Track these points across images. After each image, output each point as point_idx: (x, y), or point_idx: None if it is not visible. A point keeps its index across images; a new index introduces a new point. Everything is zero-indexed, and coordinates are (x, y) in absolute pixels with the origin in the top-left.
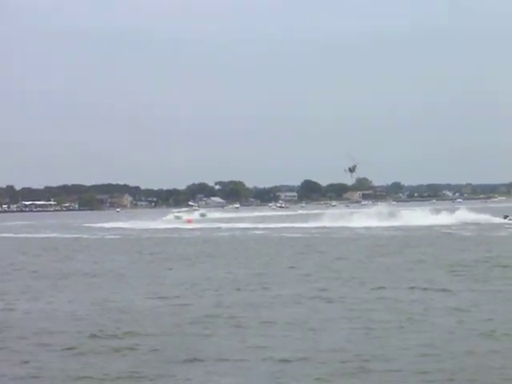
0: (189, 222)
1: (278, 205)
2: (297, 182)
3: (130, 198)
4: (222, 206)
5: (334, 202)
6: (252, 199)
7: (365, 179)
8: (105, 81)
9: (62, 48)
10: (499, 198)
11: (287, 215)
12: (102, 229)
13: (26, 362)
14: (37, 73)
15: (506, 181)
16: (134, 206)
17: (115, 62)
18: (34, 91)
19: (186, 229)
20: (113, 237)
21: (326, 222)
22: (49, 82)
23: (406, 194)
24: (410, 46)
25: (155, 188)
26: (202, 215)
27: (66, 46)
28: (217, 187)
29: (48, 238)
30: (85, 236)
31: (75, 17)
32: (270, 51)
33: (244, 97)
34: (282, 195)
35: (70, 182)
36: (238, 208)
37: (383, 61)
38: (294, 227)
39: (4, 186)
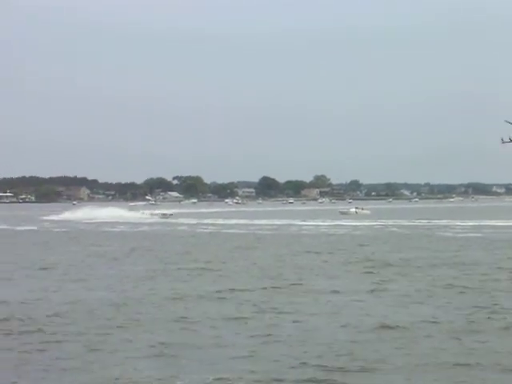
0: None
1: (235, 201)
2: (255, 179)
3: (87, 191)
4: (179, 201)
5: (290, 199)
6: (210, 194)
7: (323, 176)
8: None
9: None
10: (456, 198)
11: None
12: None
13: None
14: None
15: (465, 181)
16: (91, 198)
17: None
18: None
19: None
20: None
21: None
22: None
23: (363, 192)
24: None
25: (113, 181)
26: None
27: None
28: (175, 182)
29: None
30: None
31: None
32: None
33: (204, 90)
34: (240, 191)
35: (27, 174)
36: (195, 203)
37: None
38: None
39: None
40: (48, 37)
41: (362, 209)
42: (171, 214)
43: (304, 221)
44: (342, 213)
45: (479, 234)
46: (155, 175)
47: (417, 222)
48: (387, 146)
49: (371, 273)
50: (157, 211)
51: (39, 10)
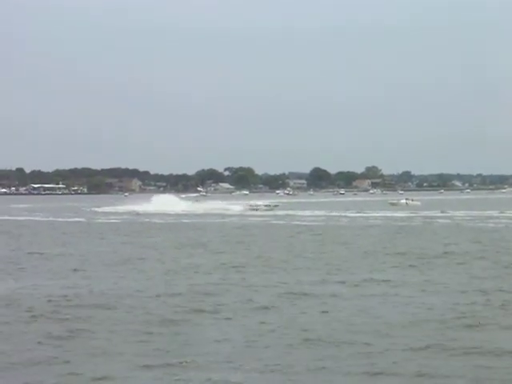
0: None
1: (286, 192)
2: (306, 170)
3: (138, 183)
4: (231, 193)
5: (342, 190)
6: (261, 186)
7: (374, 167)
8: (117, 61)
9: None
10: (508, 188)
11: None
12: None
13: None
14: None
15: None
16: (143, 190)
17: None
18: (51, 69)
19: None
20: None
21: None
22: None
23: (415, 183)
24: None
25: (165, 173)
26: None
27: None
28: (226, 173)
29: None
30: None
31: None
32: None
33: (257, 82)
34: (291, 182)
35: (80, 166)
36: (246, 194)
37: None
38: None
39: (14, 169)
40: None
41: (412, 200)
42: (276, 206)
43: (359, 212)
44: (392, 204)
45: None
46: (207, 167)
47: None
48: (439, 136)
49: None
50: (259, 202)
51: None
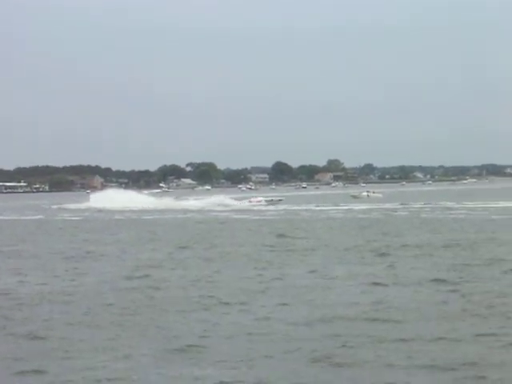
0: None
1: (248, 186)
2: (269, 164)
3: (100, 180)
4: (193, 188)
5: (304, 184)
6: (223, 181)
7: (336, 161)
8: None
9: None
10: (469, 180)
11: None
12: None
13: None
14: None
15: (479, 163)
16: (105, 187)
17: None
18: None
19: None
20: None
21: None
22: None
23: (377, 175)
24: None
25: (127, 169)
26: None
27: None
28: (188, 169)
29: None
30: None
31: None
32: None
33: (215, 75)
34: (254, 177)
35: (41, 164)
36: (209, 190)
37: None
38: None
39: None
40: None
41: (374, 192)
42: (280, 200)
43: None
44: (354, 196)
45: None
46: (168, 163)
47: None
48: (401, 130)
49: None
50: (259, 198)
51: None
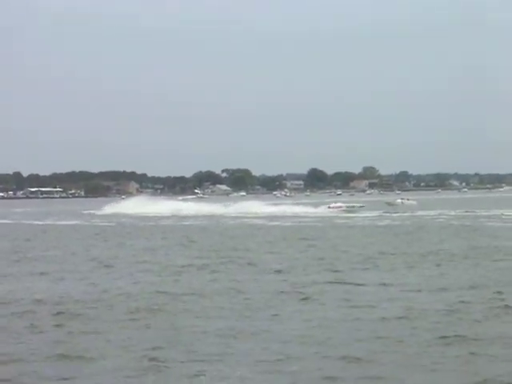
0: None
1: (283, 193)
2: (304, 171)
3: (136, 185)
4: (228, 194)
5: (339, 191)
6: (258, 187)
7: (372, 168)
8: (113, 66)
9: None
10: (505, 187)
11: None
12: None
13: None
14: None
15: None
16: (140, 193)
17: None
18: (45, 79)
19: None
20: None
21: None
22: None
23: (412, 183)
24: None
25: (162, 175)
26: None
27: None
28: (223, 175)
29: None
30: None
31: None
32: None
33: (254, 84)
34: (288, 183)
35: (77, 169)
36: (244, 196)
37: (383, 50)
38: None
39: (11, 173)
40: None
41: (408, 199)
42: (362, 206)
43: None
44: (388, 203)
45: None
46: (204, 169)
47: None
48: (436, 136)
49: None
50: (339, 203)
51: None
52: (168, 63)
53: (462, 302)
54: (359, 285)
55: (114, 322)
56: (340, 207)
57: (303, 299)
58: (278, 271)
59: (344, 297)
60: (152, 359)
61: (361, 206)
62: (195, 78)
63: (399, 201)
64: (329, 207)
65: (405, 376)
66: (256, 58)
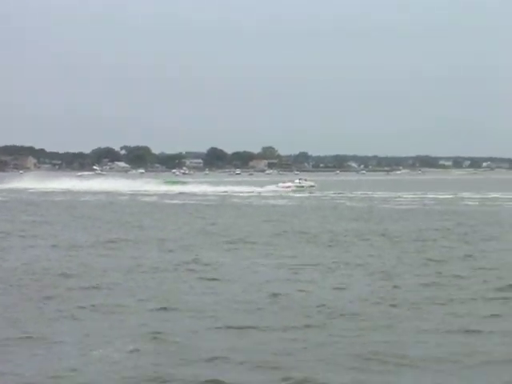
0: None
1: (182, 171)
2: (203, 150)
3: (34, 161)
4: (126, 171)
5: (238, 170)
6: (157, 165)
7: (271, 148)
8: None
9: None
10: (403, 170)
11: None
12: None
13: None
14: None
15: (413, 154)
16: (38, 168)
17: None
18: None
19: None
20: None
21: None
22: None
23: (311, 164)
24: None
25: (61, 151)
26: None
27: None
28: (122, 152)
29: None
30: None
31: None
32: None
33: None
34: (188, 162)
35: None
36: (142, 173)
37: None
38: None
39: None
40: None
41: (306, 180)
42: (312, 186)
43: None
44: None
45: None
46: (103, 145)
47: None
48: (336, 119)
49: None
50: (288, 183)
51: None
52: None
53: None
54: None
55: None
56: (289, 187)
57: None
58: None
59: None
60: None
61: (311, 186)
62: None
63: (297, 181)
64: (276, 186)
65: None
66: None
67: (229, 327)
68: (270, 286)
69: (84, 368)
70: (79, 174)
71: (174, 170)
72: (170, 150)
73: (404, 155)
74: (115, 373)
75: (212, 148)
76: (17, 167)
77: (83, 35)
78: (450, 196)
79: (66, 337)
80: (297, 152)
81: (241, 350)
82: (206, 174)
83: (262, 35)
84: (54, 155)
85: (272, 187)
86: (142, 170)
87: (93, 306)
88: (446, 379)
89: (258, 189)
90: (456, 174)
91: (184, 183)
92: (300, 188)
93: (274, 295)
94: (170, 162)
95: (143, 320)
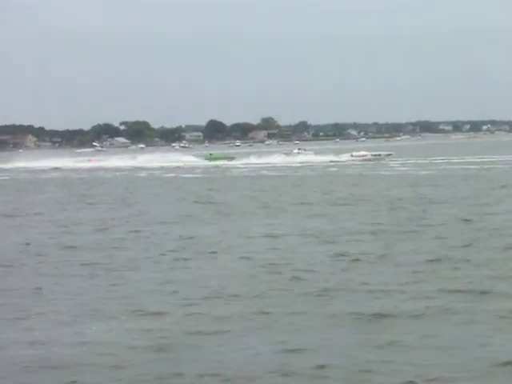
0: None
1: (182, 145)
2: (203, 123)
3: (33, 139)
4: (127, 147)
5: (237, 142)
6: (157, 139)
7: (270, 118)
8: None
9: None
10: (403, 136)
11: None
12: None
13: None
14: None
15: (413, 120)
16: (38, 146)
17: None
18: None
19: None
20: None
21: None
22: None
23: (311, 133)
24: None
25: (60, 129)
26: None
27: None
28: (122, 127)
29: None
30: None
31: None
32: None
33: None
34: (187, 135)
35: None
36: (143, 148)
37: None
38: None
39: None
40: None
41: (305, 150)
42: (390, 154)
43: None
44: (286, 154)
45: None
46: (102, 121)
47: None
48: (335, 86)
49: None
50: (362, 152)
51: None
52: None
53: None
54: None
55: None
56: (364, 156)
57: None
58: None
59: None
60: None
61: (388, 154)
62: None
63: (296, 151)
64: (351, 155)
65: None
66: None
67: None
68: None
69: None
70: (79, 151)
71: (173, 144)
72: (170, 124)
73: (404, 121)
74: None
75: (211, 121)
76: (16, 146)
77: None
78: None
79: None
80: (297, 121)
81: None
82: (206, 146)
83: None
84: (53, 133)
85: (346, 156)
86: (143, 145)
87: None
88: None
89: (333, 158)
90: (454, 138)
91: (231, 158)
92: (377, 157)
93: None
94: (170, 136)
95: None
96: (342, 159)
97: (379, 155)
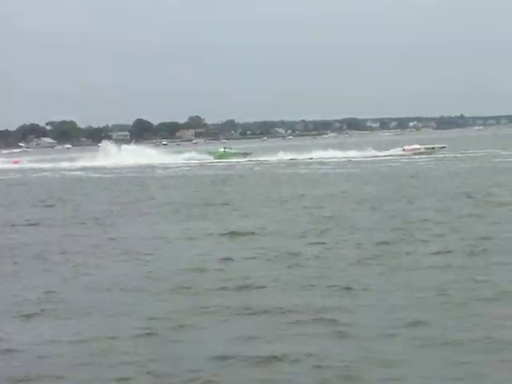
0: (15, 163)
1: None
2: (130, 122)
3: None
4: (53, 147)
5: (164, 141)
6: (84, 139)
7: (198, 117)
8: None
9: None
10: (330, 134)
11: None
12: None
13: None
14: None
15: (340, 117)
16: None
17: None
18: None
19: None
20: None
21: None
22: None
23: (238, 131)
24: None
25: None
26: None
27: None
28: (48, 127)
29: None
30: None
31: None
32: None
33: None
34: (114, 135)
35: None
36: (69, 148)
37: None
38: None
39: None
40: None
41: (230, 148)
42: (443, 147)
43: None
44: (210, 153)
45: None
46: (28, 122)
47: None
48: (260, 84)
49: None
50: (415, 145)
51: None
52: None
53: None
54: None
55: None
56: (417, 149)
57: None
58: None
59: None
60: None
61: (442, 147)
62: None
63: (221, 150)
64: (403, 149)
65: None
66: None
67: None
68: None
69: None
70: (5, 152)
71: (99, 144)
72: (97, 124)
73: (331, 118)
74: None
75: (138, 119)
76: None
77: None
78: None
79: None
80: (224, 120)
81: None
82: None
83: None
84: None
85: (396, 150)
86: (69, 146)
87: None
88: None
89: (378, 153)
90: (382, 135)
91: (246, 154)
92: (430, 150)
93: None
94: (97, 136)
95: None
96: (391, 153)
97: (433, 148)
